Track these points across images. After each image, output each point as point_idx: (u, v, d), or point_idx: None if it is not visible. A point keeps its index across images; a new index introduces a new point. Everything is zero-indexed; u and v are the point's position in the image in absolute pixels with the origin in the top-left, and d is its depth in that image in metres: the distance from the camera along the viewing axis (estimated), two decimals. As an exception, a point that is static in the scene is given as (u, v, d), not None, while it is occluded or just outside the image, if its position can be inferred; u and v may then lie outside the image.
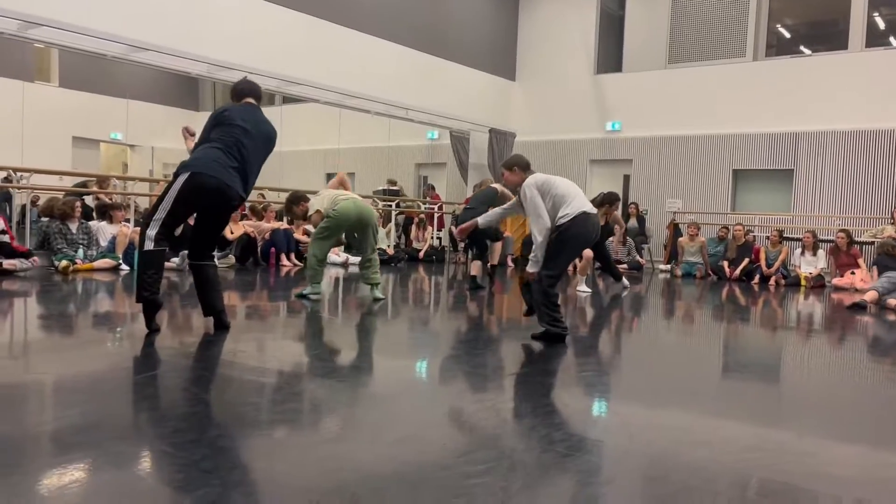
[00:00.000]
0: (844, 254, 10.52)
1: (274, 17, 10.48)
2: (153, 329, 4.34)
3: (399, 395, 3.39)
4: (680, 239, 12.22)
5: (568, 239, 4.65)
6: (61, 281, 7.25)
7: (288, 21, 10.63)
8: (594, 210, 4.82)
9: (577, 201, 4.69)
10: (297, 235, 10.78)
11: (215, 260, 4.62)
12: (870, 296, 7.77)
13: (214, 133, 4.34)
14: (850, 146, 11.99)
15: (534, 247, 4.69)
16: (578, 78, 14.49)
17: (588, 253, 8.31)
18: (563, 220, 4.65)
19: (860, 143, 11.90)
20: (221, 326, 4.56)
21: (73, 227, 8.39)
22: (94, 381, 3.30)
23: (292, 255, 10.47)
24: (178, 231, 9.17)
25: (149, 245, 4.19)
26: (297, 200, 7.06)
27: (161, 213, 4.20)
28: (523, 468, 2.35)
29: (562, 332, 4.67)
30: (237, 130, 4.32)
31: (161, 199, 4.26)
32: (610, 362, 4.56)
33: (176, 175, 4.26)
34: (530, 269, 4.68)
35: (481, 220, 5.38)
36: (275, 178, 14.99)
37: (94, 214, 9.59)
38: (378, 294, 6.64)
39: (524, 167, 4.88)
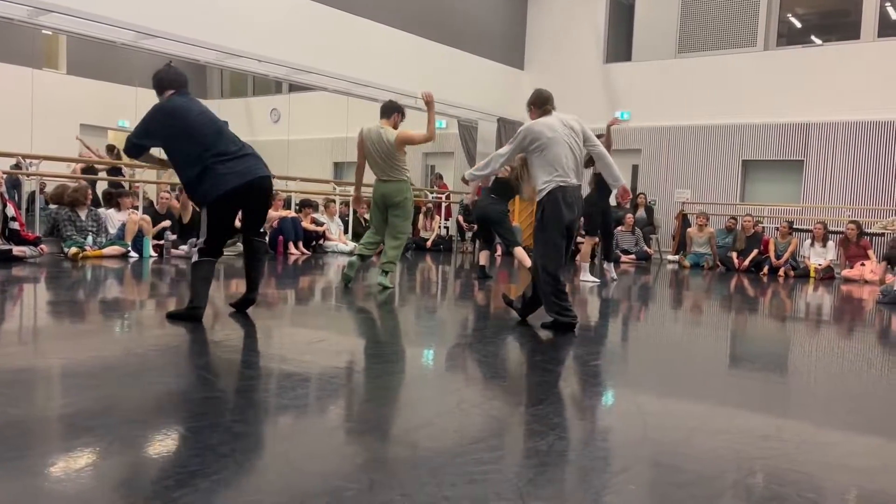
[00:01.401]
0: (854, 245, 10.47)
1: (283, 4, 10.45)
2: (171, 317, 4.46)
3: (411, 383, 3.38)
4: (688, 229, 12.18)
5: (546, 219, 4.57)
6: (71, 268, 7.26)
7: (297, 9, 10.59)
8: (574, 182, 4.60)
9: (559, 172, 4.54)
10: (305, 224, 10.77)
11: (265, 238, 4.85)
12: None
13: (190, 141, 4.19)
14: (861, 137, 11.91)
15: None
16: (588, 67, 14.41)
17: (593, 238, 8.30)
18: (541, 195, 4.59)
19: (871, 134, 11.81)
20: (247, 302, 4.70)
21: (83, 214, 8.40)
22: (108, 367, 3.30)
23: (300, 244, 10.47)
24: (187, 219, 9.23)
25: (195, 257, 4.44)
26: None
27: (203, 239, 4.45)
28: (537, 455, 2.34)
29: (571, 322, 4.63)
30: (202, 122, 4.24)
31: (202, 227, 4.51)
32: (621, 352, 4.54)
33: (199, 205, 4.49)
34: (464, 175, 5.01)
35: (473, 172, 5.14)
36: (282, 166, 14.99)
37: (101, 201, 9.61)
38: (384, 281, 6.45)
39: (539, 104, 4.76)
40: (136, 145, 4.30)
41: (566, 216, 4.58)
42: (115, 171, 11.54)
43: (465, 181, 5.20)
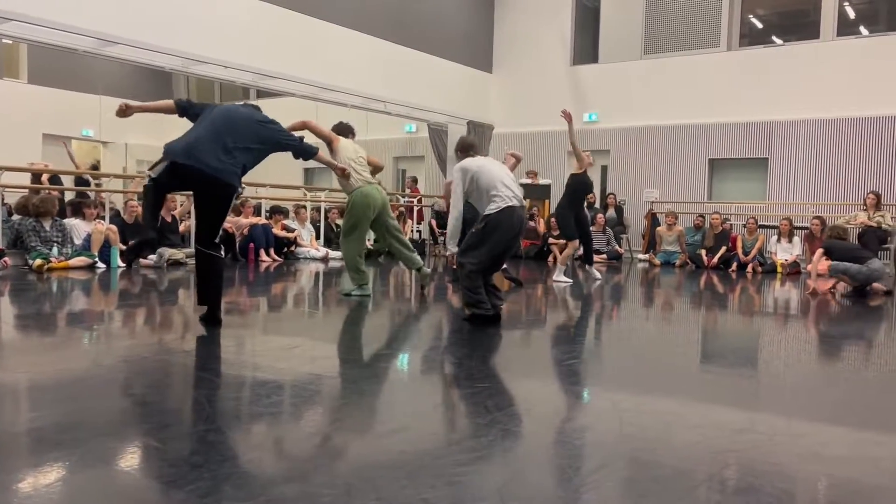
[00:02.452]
0: (819, 240, 10.64)
1: (249, 10, 10.36)
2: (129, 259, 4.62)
3: (386, 387, 3.37)
4: (658, 228, 12.31)
5: (490, 231, 4.84)
6: (36, 280, 7.11)
7: (263, 14, 10.51)
8: (520, 203, 4.96)
9: (507, 191, 4.88)
10: (276, 231, 10.69)
11: (220, 252, 4.61)
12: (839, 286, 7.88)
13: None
14: (823, 134, 12.14)
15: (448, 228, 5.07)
16: (555, 69, 14.51)
17: (574, 242, 8.38)
18: (489, 213, 4.87)
19: (833, 131, 12.05)
20: (213, 321, 4.50)
21: (48, 224, 8.23)
22: (77, 380, 3.24)
23: (271, 251, 10.38)
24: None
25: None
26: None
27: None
28: (515, 455, 2.35)
29: (485, 314, 4.85)
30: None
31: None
32: (595, 351, 4.57)
33: None
34: (449, 248, 5.04)
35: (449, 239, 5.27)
36: (251, 172, 14.85)
37: (68, 212, 9.43)
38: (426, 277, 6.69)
39: (462, 150, 5.22)
40: (181, 104, 4.55)
41: (508, 236, 4.88)
42: (78, 181, 11.31)
43: (451, 253, 5.17)
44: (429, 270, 6.72)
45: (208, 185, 4.31)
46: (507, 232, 4.88)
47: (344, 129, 6.57)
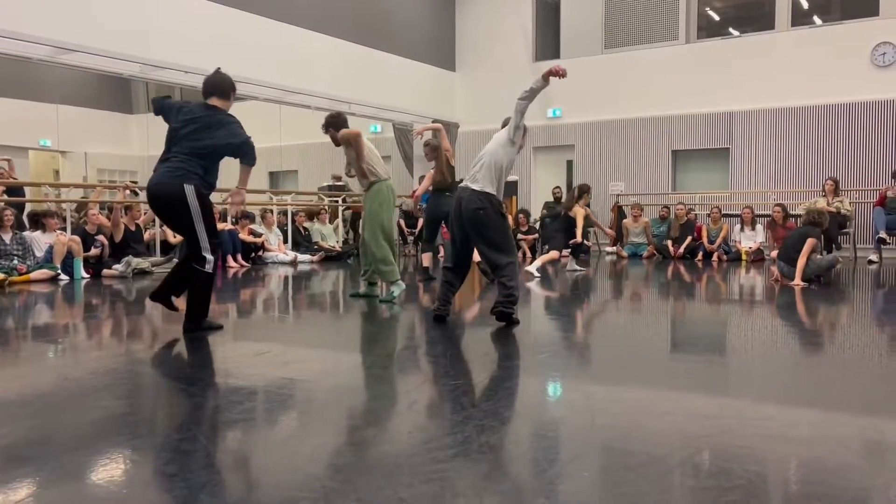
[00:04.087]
0: (781, 227, 10.85)
1: (208, 13, 10.24)
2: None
3: (360, 388, 3.37)
4: (624, 221, 12.46)
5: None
6: (-3, 294, 6.95)
7: (223, 17, 10.40)
8: (467, 184, 4.80)
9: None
10: (243, 236, 10.59)
11: (204, 266, 4.49)
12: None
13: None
14: (781, 122, 12.40)
15: None
16: (518, 66, 14.58)
17: (554, 253, 8.73)
18: None
19: (790, 120, 12.31)
20: (184, 326, 4.56)
21: (7, 237, 8.05)
22: (43, 394, 3.18)
23: (238, 256, 10.28)
24: (119, 237, 8.95)
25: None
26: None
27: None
28: (491, 450, 2.36)
29: (437, 313, 4.91)
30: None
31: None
32: (567, 343, 4.61)
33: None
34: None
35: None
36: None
37: (27, 223, 9.23)
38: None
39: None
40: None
41: (452, 214, 4.89)
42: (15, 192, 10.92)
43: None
44: (397, 293, 6.25)
45: (158, 196, 4.48)
46: (451, 212, 4.91)
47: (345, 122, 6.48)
